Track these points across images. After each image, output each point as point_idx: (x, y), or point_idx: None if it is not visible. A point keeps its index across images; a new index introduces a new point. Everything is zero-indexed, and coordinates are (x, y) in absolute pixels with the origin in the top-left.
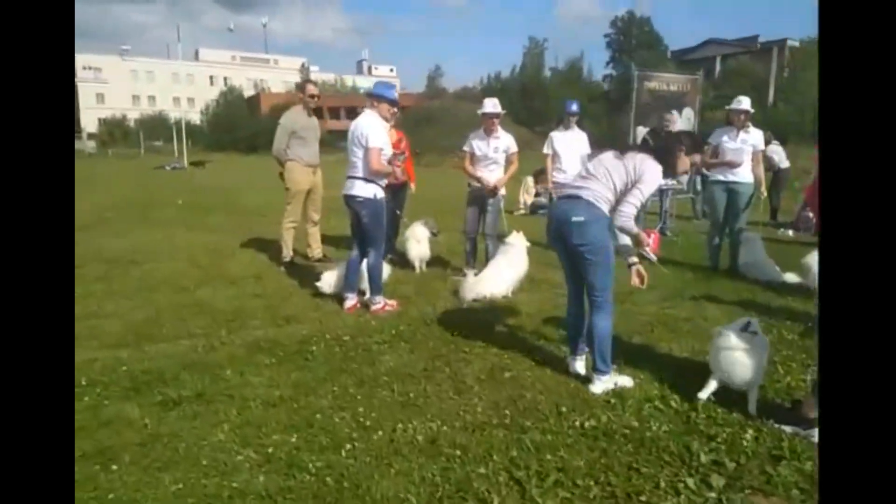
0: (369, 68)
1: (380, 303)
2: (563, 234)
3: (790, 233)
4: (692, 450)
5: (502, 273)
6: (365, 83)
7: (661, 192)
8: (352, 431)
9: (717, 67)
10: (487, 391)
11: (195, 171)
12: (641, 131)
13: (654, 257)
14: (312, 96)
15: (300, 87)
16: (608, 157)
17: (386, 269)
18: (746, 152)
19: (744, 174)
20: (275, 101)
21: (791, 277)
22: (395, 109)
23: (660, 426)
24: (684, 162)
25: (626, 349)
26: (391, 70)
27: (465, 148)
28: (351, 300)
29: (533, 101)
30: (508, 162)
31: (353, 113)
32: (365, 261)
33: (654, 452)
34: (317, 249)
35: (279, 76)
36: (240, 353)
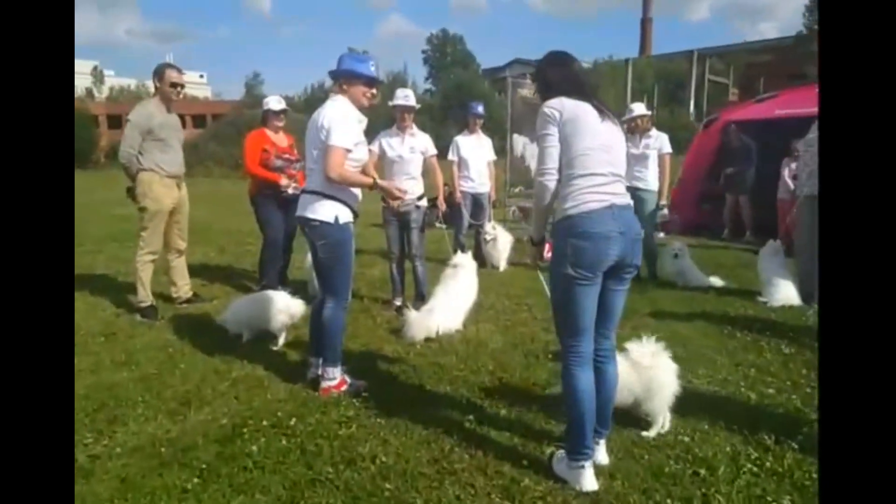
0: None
1: (335, 379)
2: (626, 256)
3: (661, 235)
4: None
5: (454, 303)
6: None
7: None
8: None
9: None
10: (545, 485)
11: None
12: (519, 139)
13: None
14: (175, 85)
15: (157, 73)
16: (619, 144)
17: (297, 307)
18: (651, 157)
19: (648, 180)
20: None
21: (716, 281)
22: (375, 91)
23: (764, 490)
24: None
25: None
26: (201, 76)
27: (373, 147)
28: (327, 378)
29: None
30: (431, 168)
31: None
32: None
33: None
34: (184, 287)
35: None
36: (132, 472)
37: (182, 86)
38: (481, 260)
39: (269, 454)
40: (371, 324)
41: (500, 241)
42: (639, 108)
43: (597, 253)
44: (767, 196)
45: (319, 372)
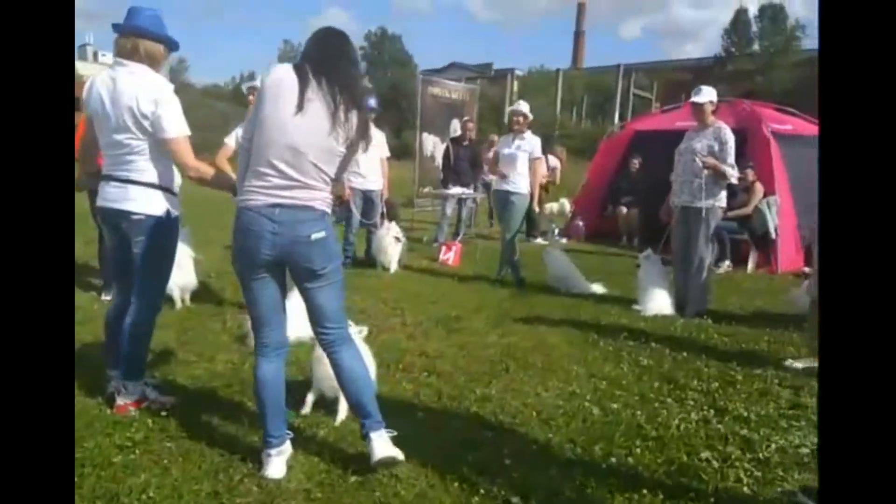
0: (95, 54)
1: (134, 395)
2: (288, 256)
3: (563, 240)
4: None
5: None
6: (89, 70)
7: (459, 202)
8: None
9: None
10: None
11: None
12: (429, 138)
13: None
14: None
15: None
16: (319, 137)
17: None
18: (520, 159)
19: (518, 183)
20: None
21: (598, 288)
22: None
23: None
24: None
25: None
26: None
27: (229, 141)
28: (125, 393)
29: None
30: None
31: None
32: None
33: None
34: None
35: None
36: None
37: None
38: (371, 260)
39: None
40: (218, 328)
41: (390, 242)
42: (524, 106)
43: (248, 251)
44: (660, 204)
45: (118, 386)
